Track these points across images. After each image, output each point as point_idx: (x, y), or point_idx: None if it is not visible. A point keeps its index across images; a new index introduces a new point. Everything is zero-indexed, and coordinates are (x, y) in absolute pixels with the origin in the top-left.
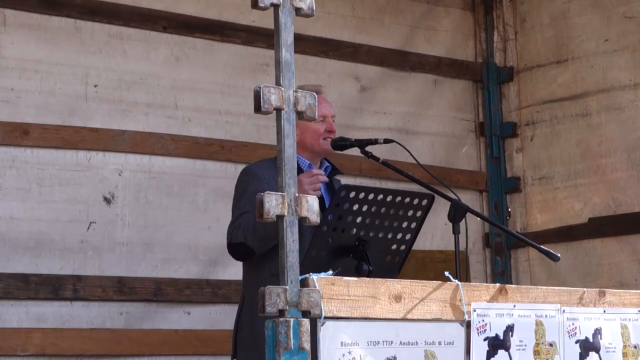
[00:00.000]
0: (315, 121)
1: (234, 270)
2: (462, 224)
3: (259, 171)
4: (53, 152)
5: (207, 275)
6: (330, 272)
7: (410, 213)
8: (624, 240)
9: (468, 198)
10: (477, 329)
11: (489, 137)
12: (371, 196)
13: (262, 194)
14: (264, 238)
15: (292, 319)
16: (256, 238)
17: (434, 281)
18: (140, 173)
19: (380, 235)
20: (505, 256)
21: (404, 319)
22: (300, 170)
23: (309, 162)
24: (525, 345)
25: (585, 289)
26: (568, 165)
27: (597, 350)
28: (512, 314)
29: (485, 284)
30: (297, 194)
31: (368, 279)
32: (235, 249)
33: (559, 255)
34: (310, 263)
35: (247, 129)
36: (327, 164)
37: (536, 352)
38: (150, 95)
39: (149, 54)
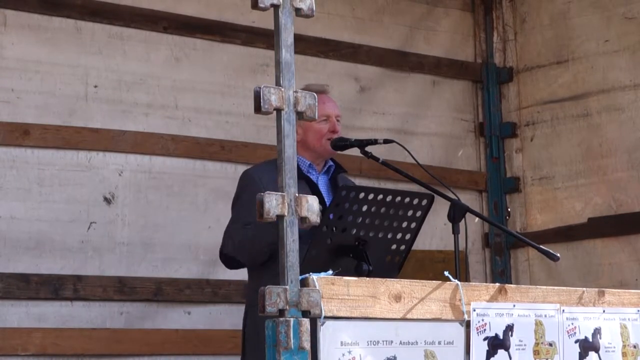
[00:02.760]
0: (317, 121)
1: (234, 271)
2: (461, 224)
3: (256, 175)
4: (53, 153)
5: (208, 275)
6: (330, 272)
7: (410, 213)
8: (625, 240)
9: (467, 198)
10: (477, 329)
11: (488, 137)
12: (371, 196)
13: (262, 194)
14: (251, 255)
15: (292, 319)
16: (245, 254)
17: (434, 281)
18: (141, 173)
19: (380, 235)
20: (504, 256)
21: (403, 319)
22: (299, 171)
23: (309, 162)
24: (525, 345)
25: (584, 289)
26: (569, 166)
27: (597, 350)
28: (512, 314)
29: (484, 283)
30: (297, 194)
31: (368, 278)
32: (226, 258)
33: (558, 255)
34: (310, 263)
35: (247, 130)
36: (330, 162)
37: (536, 352)
38: (150, 96)
39: (149, 55)
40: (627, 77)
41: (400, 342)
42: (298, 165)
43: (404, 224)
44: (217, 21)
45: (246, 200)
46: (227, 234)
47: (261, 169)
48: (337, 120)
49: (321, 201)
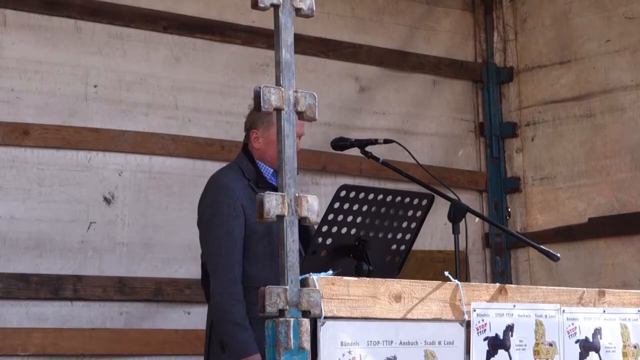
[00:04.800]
0: None
1: None
2: (461, 224)
3: (230, 184)
4: (53, 152)
5: None
6: (330, 272)
7: (410, 213)
8: (627, 240)
9: (468, 198)
10: (477, 329)
11: (488, 137)
12: (371, 196)
13: (262, 194)
14: (217, 316)
15: (292, 319)
16: (216, 313)
17: (434, 281)
18: (141, 173)
19: (380, 235)
20: (505, 256)
21: (403, 319)
22: (264, 179)
23: (272, 170)
24: (525, 345)
25: (584, 289)
26: (571, 166)
27: (597, 350)
28: (512, 314)
29: (485, 283)
30: (297, 194)
31: (368, 279)
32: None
33: (558, 255)
34: (310, 263)
35: None
36: None
37: (536, 352)
38: (150, 96)
39: (149, 54)
40: (628, 77)
41: (401, 342)
42: (262, 174)
43: (404, 224)
44: (217, 21)
45: (223, 224)
46: (227, 280)
47: (231, 177)
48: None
49: None
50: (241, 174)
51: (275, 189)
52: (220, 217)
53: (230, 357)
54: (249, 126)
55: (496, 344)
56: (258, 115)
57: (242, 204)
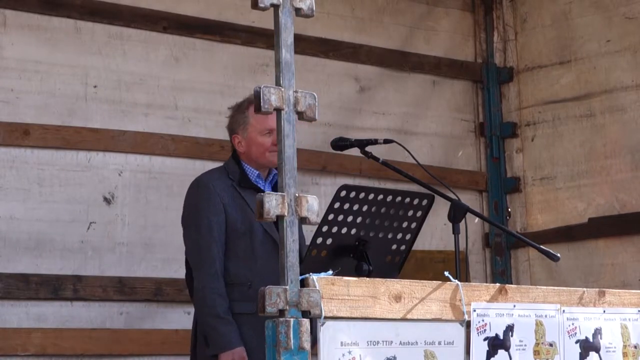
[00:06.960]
0: (261, 134)
1: None
2: (461, 224)
3: (210, 183)
4: (53, 153)
5: None
6: (330, 272)
7: (410, 213)
8: (627, 240)
9: (468, 198)
10: (477, 329)
11: (488, 138)
12: (371, 196)
13: (262, 194)
14: (197, 308)
15: (292, 319)
16: (197, 307)
17: (434, 281)
18: (140, 173)
19: (380, 235)
20: (505, 256)
21: (403, 319)
22: (248, 180)
23: (257, 172)
24: (525, 345)
25: (585, 289)
26: (571, 166)
27: (597, 350)
28: (512, 314)
29: (485, 284)
30: (297, 194)
31: (368, 279)
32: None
33: (558, 255)
34: (310, 263)
35: None
36: (275, 171)
37: (536, 352)
38: (150, 96)
39: (149, 55)
40: (629, 77)
41: (400, 343)
42: (247, 175)
43: (404, 224)
44: (217, 21)
45: (206, 215)
46: (207, 272)
47: (213, 176)
48: None
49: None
50: (225, 174)
51: (258, 190)
52: (201, 214)
53: (214, 350)
54: (230, 133)
55: (496, 344)
56: (234, 120)
57: (223, 201)
